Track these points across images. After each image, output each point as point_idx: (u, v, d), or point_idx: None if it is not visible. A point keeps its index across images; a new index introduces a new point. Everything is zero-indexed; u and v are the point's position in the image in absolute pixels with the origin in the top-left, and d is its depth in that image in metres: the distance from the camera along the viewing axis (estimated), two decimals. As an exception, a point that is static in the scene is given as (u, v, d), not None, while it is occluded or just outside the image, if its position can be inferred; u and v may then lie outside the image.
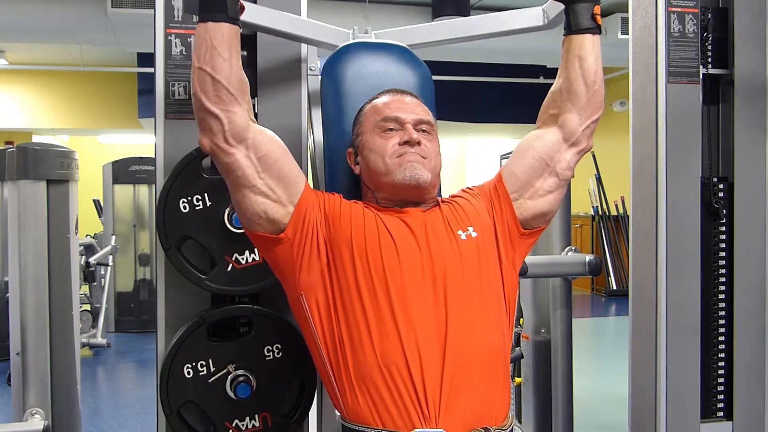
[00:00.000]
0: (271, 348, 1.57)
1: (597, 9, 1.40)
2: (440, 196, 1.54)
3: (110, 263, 5.90)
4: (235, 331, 1.60)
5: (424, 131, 1.40)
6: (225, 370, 1.54)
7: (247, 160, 1.24)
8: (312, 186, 1.79)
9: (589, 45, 1.39)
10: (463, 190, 1.45)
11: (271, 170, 1.26)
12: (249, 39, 1.69)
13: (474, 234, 1.32)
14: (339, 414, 1.26)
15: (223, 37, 1.21)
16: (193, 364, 1.53)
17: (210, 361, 1.54)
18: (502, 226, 1.37)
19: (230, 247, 1.57)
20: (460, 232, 1.32)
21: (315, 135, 1.72)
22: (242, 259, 1.57)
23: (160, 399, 1.54)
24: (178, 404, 1.53)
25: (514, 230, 1.38)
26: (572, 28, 1.40)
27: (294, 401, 1.60)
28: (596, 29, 1.40)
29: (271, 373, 1.57)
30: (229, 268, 1.56)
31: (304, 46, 1.72)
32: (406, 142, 1.35)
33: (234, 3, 1.23)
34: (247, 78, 1.27)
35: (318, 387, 1.63)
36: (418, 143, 1.36)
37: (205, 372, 1.53)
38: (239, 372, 1.54)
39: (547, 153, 1.40)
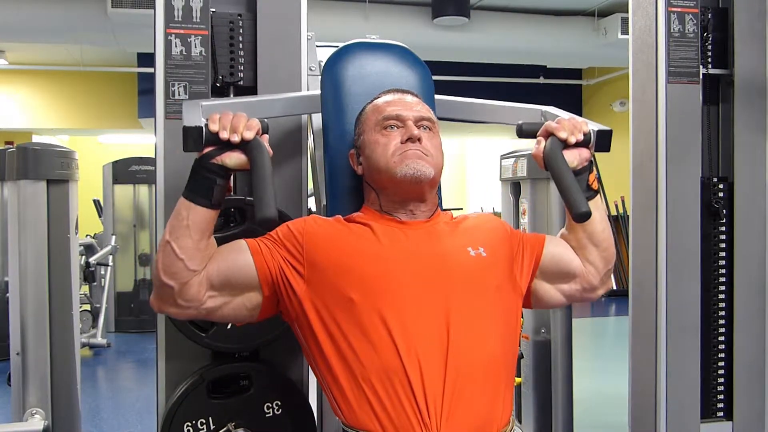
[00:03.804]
0: (271, 405, 1.56)
1: (592, 177, 1.41)
2: (441, 201, 1.53)
3: (110, 263, 5.90)
4: (236, 384, 1.60)
5: (425, 128, 1.40)
6: (225, 428, 1.53)
7: (203, 304, 1.26)
8: (312, 189, 1.80)
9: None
10: (488, 215, 1.47)
11: (227, 285, 1.27)
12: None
13: (484, 254, 1.32)
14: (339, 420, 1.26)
15: (199, 221, 1.22)
16: (193, 422, 1.52)
17: (210, 419, 1.53)
18: (528, 267, 1.40)
19: None
20: (469, 248, 1.32)
21: (315, 135, 1.72)
22: None
23: None
24: None
25: (528, 276, 1.40)
26: None
27: None
28: (593, 194, 1.41)
29: (272, 429, 1.56)
30: (228, 326, 1.56)
31: (303, 50, 1.71)
32: (408, 139, 1.35)
33: (221, 194, 1.23)
34: (210, 250, 1.27)
35: (318, 391, 1.63)
36: (419, 140, 1.36)
37: (205, 430, 1.53)
38: (239, 430, 1.53)
39: (573, 269, 1.43)
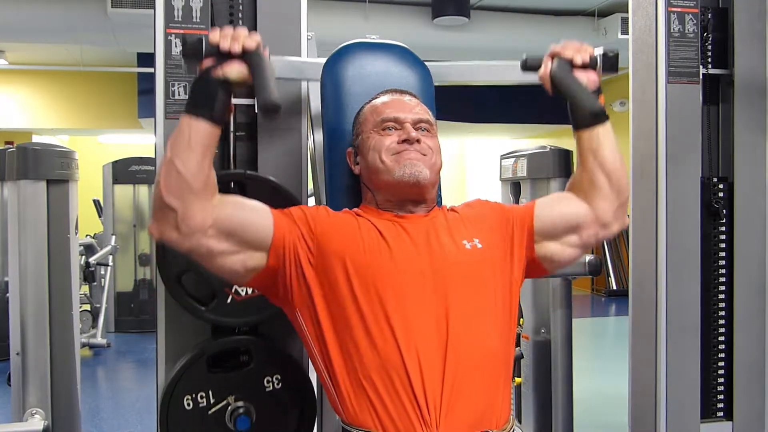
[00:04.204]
0: (270, 379, 1.57)
1: (602, 99, 1.37)
2: (440, 198, 1.53)
3: (110, 263, 5.90)
4: (236, 359, 1.60)
5: (423, 130, 1.39)
6: (225, 402, 1.54)
7: (206, 239, 1.22)
8: (312, 188, 1.80)
9: (600, 136, 1.37)
10: (478, 201, 1.45)
11: (236, 234, 1.25)
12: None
13: (479, 245, 1.32)
14: (339, 418, 1.26)
15: (202, 136, 1.20)
16: (193, 395, 1.53)
17: (210, 392, 1.53)
18: (519, 247, 1.37)
19: None
20: (465, 241, 1.31)
21: (315, 135, 1.72)
22: (242, 290, 1.57)
23: (159, 431, 1.53)
24: None
25: (524, 253, 1.38)
26: (579, 123, 1.38)
27: (294, 431, 1.59)
28: (604, 119, 1.37)
29: (271, 404, 1.56)
30: (228, 300, 1.56)
31: (303, 50, 1.72)
32: (405, 140, 1.35)
33: (223, 108, 1.21)
34: (215, 175, 1.25)
35: (318, 388, 1.63)
36: (417, 141, 1.36)
37: (204, 403, 1.53)
38: (239, 403, 1.54)
39: (578, 218, 1.39)
